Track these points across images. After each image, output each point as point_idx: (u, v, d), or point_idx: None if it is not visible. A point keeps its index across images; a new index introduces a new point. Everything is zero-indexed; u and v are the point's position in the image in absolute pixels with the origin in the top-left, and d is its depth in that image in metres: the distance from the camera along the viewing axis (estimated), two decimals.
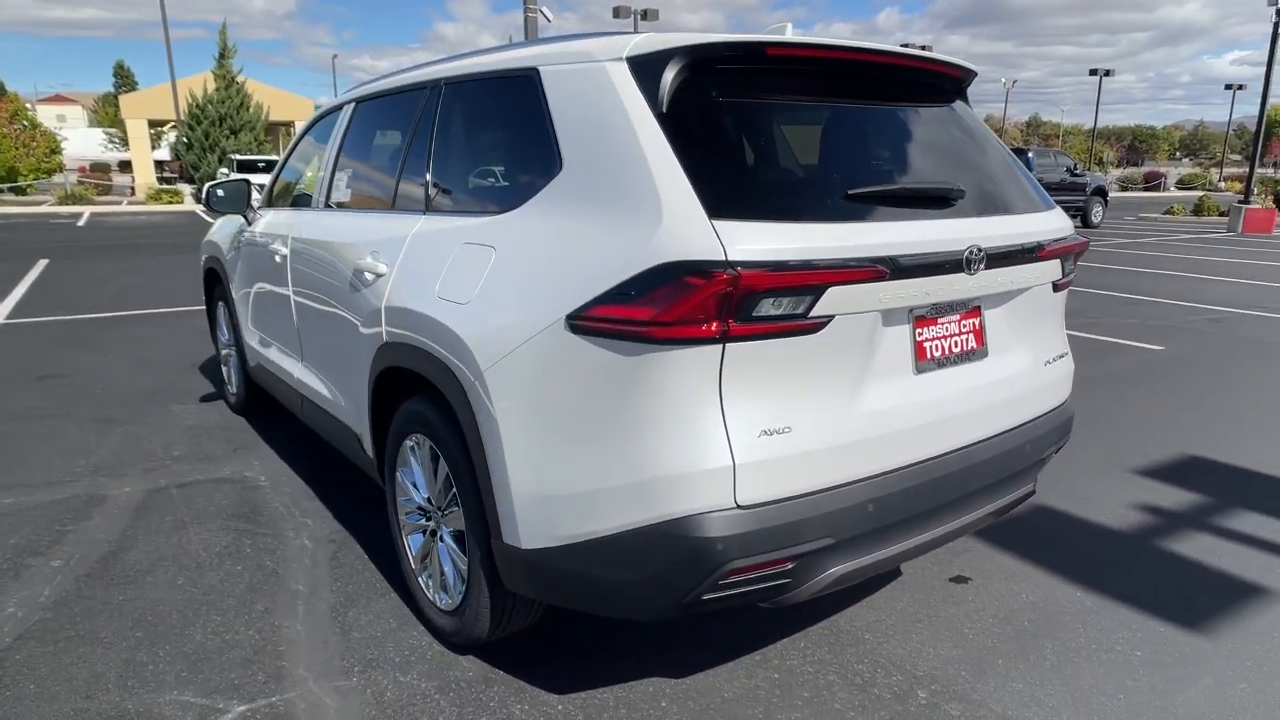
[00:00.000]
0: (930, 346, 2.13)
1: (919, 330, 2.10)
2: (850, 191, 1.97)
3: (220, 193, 4.00)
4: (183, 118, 28.43)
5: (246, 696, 2.35)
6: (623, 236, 1.84)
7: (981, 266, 2.11)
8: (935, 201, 2.10)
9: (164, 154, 43.55)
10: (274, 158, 25.21)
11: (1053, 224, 2.40)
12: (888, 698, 2.37)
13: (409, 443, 2.64)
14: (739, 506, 1.82)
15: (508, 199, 2.27)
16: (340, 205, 3.31)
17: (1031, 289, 2.37)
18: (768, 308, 1.76)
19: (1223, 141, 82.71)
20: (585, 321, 1.85)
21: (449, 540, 2.52)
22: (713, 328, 1.73)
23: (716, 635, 2.66)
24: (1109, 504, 3.70)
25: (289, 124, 39.58)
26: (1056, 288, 2.48)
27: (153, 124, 40.96)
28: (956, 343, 2.19)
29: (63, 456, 4.20)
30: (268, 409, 4.82)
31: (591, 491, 1.91)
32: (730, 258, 1.72)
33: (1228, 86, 44.48)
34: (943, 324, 2.15)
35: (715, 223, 1.75)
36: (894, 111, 2.28)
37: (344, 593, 2.92)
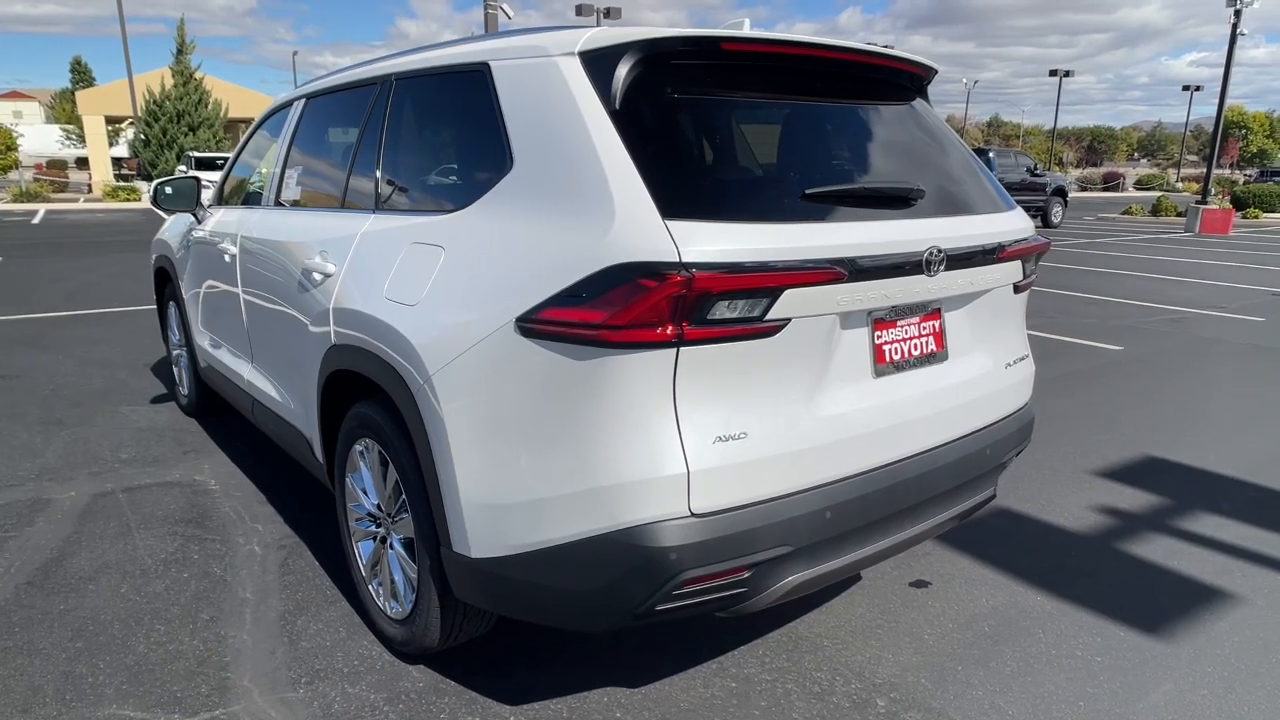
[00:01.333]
0: (889, 350, 2.10)
1: (878, 333, 2.07)
2: (808, 191, 1.93)
3: (169, 190, 3.88)
4: (140, 114, 27.80)
5: (189, 710, 2.27)
6: (574, 237, 1.79)
7: (941, 268, 2.09)
8: (894, 201, 2.08)
9: (122, 151, 42.63)
10: None
11: (1014, 224, 2.39)
12: (846, 706, 2.34)
13: (358, 447, 2.56)
14: (693, 515, 1.78)
15: (458, 197, 2.21)
16: (290, 203, 3.22)
17: (992, 291, 2.36)
18: (723, 310, 1.72)
19: (1179, 142, 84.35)
20: (535, 324, 1.80)
21: (399, 548, 2.45)
22: (667, 331, 1.69)
23: (674, 643, 2.62)
24: (1068, 506, 3.72)
25: (248, 121, 38.97)
26: (1017, 289, 2.47)
27: (110, 120, 40.04)
28: (916, 345, 2.17)
29: (7, 460, 4.06)
30: (218, 411, 4.70)
31: (542, 499, 1.86)
32: (684, 259, 1.68)
33: (1185, 88, 45.44)
34: (902, 326, 2.13)
35: (668, 223, 1.71)
36: (853, 109, 2.25)
37: (293, 600, 2.84)
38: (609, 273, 1.70)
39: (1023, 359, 2.59)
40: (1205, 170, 22.35)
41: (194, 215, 4.01)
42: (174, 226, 4.52)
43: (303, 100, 3.31)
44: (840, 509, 1.98)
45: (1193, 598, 2.95)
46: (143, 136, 27.60)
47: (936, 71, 2.50)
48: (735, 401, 1.82)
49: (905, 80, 2.42)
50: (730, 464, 1.80)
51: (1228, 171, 57.69)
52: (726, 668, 2.51)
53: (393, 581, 2.50)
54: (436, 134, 2.53)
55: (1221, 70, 19.86)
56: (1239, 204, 26.65)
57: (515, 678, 2.43)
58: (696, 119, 1.98)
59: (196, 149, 26.10)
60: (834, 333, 1.95)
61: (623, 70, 1.89)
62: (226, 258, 3.53)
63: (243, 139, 3.98)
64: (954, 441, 2.28)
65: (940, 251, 2.08)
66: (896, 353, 2.12)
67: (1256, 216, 25.48)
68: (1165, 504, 3.78)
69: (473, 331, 1.93)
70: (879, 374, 2.09)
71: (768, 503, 1.86)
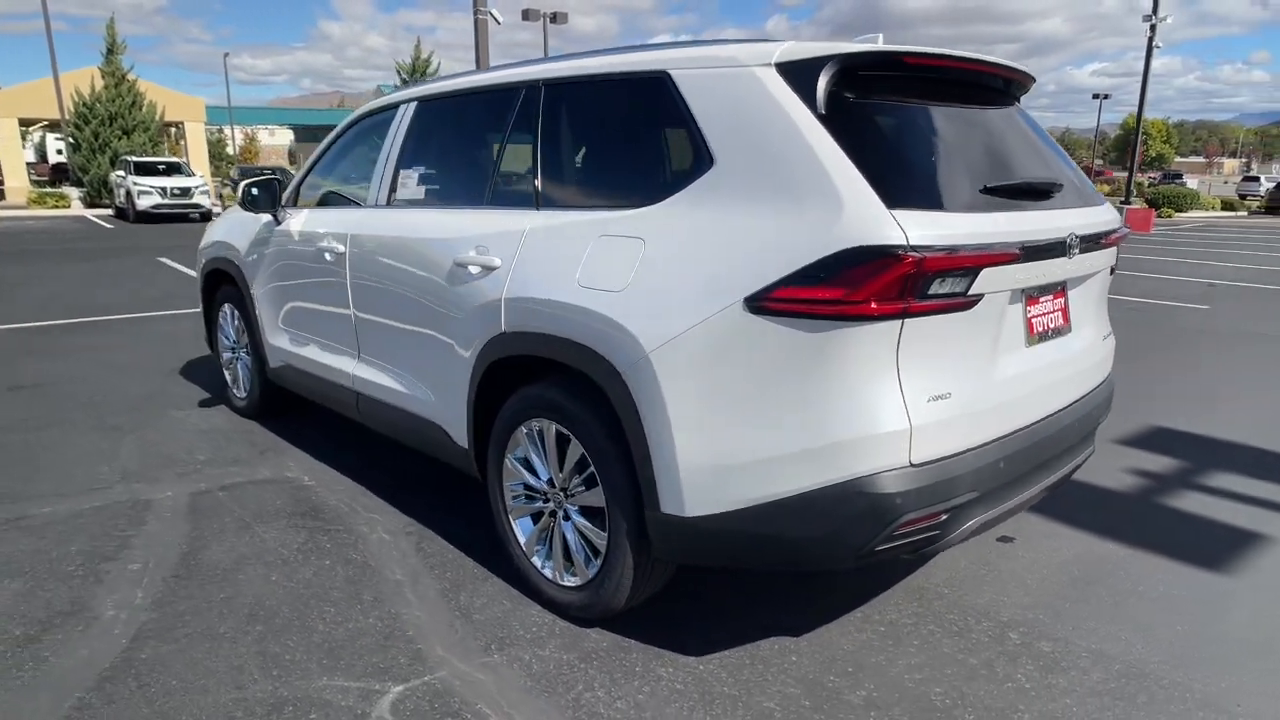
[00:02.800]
0: (1036, 322, 2.41)
1: (1029, 308, 2.38)
2: (987, 185, 2.23)
3: (255, 191, 3.96)
4: (70, 117, 26.60)
5: (398, 677, 2.42)
6: (801, 225, 2.04)
7: (1076, 251, 2.41)
8: (1043, 193, 2.39)
9: (30, 155, 40.56)
10: (175, 159, 23.95)
11: (1111, 215, 2.74)
12: (986, 640, 2.64)
13: (525, 429, 2.74)
14: (912, 465, 2.05)
15: (648, 194, 2.42)
16: (410, 202, 3.35)
17: (1099, 273, 2.70)
18: (938, 286, 2.00)
19: (1085, 147, 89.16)
20: (767, 302, 2.04)
21: (578, 518, 2.64)
22: (896, 305, 1.96)
23: (818, 599, 2.88)
24: (1102, 470, 4.12)
25: (178, 124, 37.61)
26: (1111, 271, 2.82)
27: (25, 123, 38.14)
28: (1052, 319, 2.49)
29: (82, 465, 4.05)
30: (279, 412, 4.75)
31: (771, 458, 2.09)
32: (911, 242, 1.94)
33: (1095, 96, 48.05)
34: (1043, 303, 2.44)
35: (893, 212, 1.97)
36: (991, 114, 2.55)
37: (445, 579, 2.99)
38: (846, 255, 1.95)
39: (1110, 334, 2.94)
40: (1127, 173, 23.81)
41: (274, 216, 4.08)
42: (232, 229, 4.56)
43: (412, 104, 3.44)
44: (1010, 459, 2.28)
45: (1235, 540, 3.36)
46: (72, 140, 26.42)
47: (1035, 80, 2.83)
48: (941, 366, 2.09)
49: (1016, 89, 2.74)
50: (939, 420, 2.08)
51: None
52: (870, 616, 2.78)
53: (567, 551, 2.69)
54: (607, 135, 2.72)
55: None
56: (1152, 204, 28.46)
57: (688, 634, 2.65)
58: (890, 122, 2.25)
59: (133, 153, 25.12)
60: (1005, 307, 2.25)
61: (823, 80, 2.14)
62: (329, 256, 3.63)
63: (325, 143, 4.07)
64: (1074, 404, 2.60)
65: (1077, 237, 2.40)
66: (1040, 325, 2.43)
67: (1170, 215, 27.29)
68: (1178, 465, 4.22)
69: (694, 312, 2.15)
70: (1029, 344, 2.39)
71: (963, 454, 2.15)
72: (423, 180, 3.33)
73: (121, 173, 21.94)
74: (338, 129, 4.01)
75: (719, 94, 2.29)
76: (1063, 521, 3.51)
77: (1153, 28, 19.67)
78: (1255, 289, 11.43)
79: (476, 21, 10.68)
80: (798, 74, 2.17)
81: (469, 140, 3.25)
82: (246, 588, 2.91)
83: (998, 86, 2.61)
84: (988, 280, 2.10)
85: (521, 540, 2.87)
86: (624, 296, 2.31)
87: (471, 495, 3.74)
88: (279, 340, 4.24)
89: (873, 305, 1.95)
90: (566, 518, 2.70)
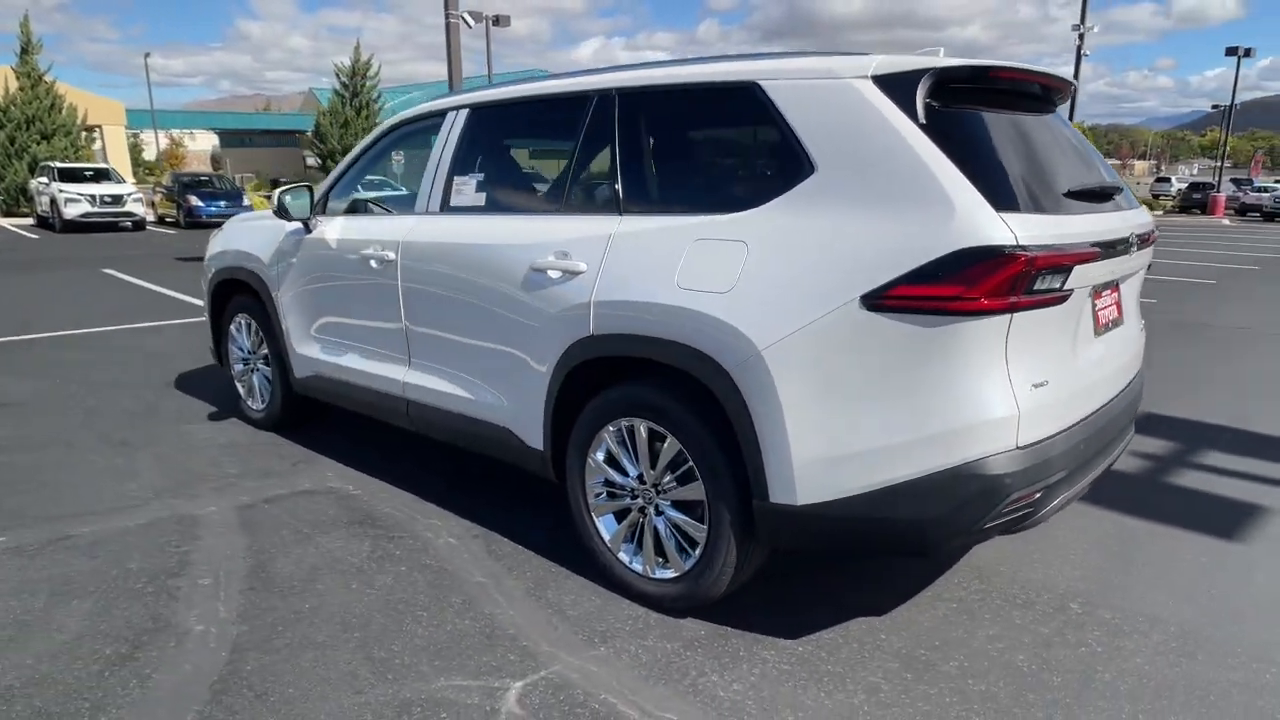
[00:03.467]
0: (1101, 314, 2.62)
1: (1095, 302, 2.58)
2: (1070, 188, 2.42)
3: (289, 198, 3.93)
4: None
5: (514, 674, 2.48)
6: (913, 228, 2.18)
7: (1134, 249, 2.62)
8: (1108, 195, 2.60)
9: None
10: (103, 166, 22.95)
11: (1149, 217, 2.97)
12: (1051, 610, 2.84)
13: (612, 427, 2.83)
14: (1018, 448, 2.22)
15: (742, 199, 2.54)
16: (469, 209, 3.38)
17: (1141, 270, 2.93)
18: (1041, 283, 2.17)
19: None
20: (884, 300, 2.18)
21: (673, 513, 2.74)
22: (1008, 300, 2.12)
23: (885, 580, 3.04)
24: None
25: (97, 128, 35.99)
26: (1149, 269, 3.06)
27: None
28: (1111, 312, 2.70)
29: (106, 482, 3.94)
30: (299, 423, 4.70)
31: (886, 446, 2.24)
32: (1020, 243, 2.11)
33: None
34: (1105, 297, 2.65)
35: (1001, 215, 2.13)
36: (1050, 121, 2.74)
37: (527, 579, 3.04)
38: (961, 255, 2.11)
39: (1144, 327, 3.18)
40: None
41: (305, 225, 4.05)
42: (254, 238, 4.49)
43: (462, 111, 3.47)
44: (1086, 441, 2.47)
45: (1241, 513, 3.66)
46: None
47: (1075, 89, 3.05)
48: (1039, 355, 2.27)
49: (1060, 97, 2.95)
50: (1040, 405, 2.25)
51: None
52: (940, 594, 2.96)
53: (659, 545, 2.79)
54: (694, 143, 2.83)
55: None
56: None
57: (780, 619, 2.77)
58: (978, 131, 2.40)
59: (54, 158, 23.96)
60: (1083, 301, 2.44)
61: (920, 92, 2.30)
62: (374, 264, 3.63)
63: (359, 150, 4.06)
64: (1124, 390, 2.82)
65: (1135, 236, 2.61)
66: (1104, 318, 2.64)
67: None
68: (1171, 446, 4.55)
69: (808, 310, 2.28)
70: (1096, 335, 2.60)
71: (1055, 436, 2.33)
72: (482, 187, 3.37)
73: (44, 179, 20.93)
74: (370, 139, 4.00)
75: (816, 104, 2.42)
76: (1086, 501, 3.76)
77: (1081, 36, 20.76)
78: (1184, 283, 12.19)
79: (448, 25, 10.60)
80: (894, 86, 2.32)
81: (539, 148, 3.31)
82: (329, 597, 2.92)
83: (1048, 96, 2.82)
84: (1077, 276, 2.28)
85: (606, 537, 2.95)
86: (730, 297, 2.42)
87: (528, 495, 3.79)
88: (308, 349, 4.21)
89: (987, 301, 2.11)
90: (659, 513, 2.79)
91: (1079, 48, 21.04)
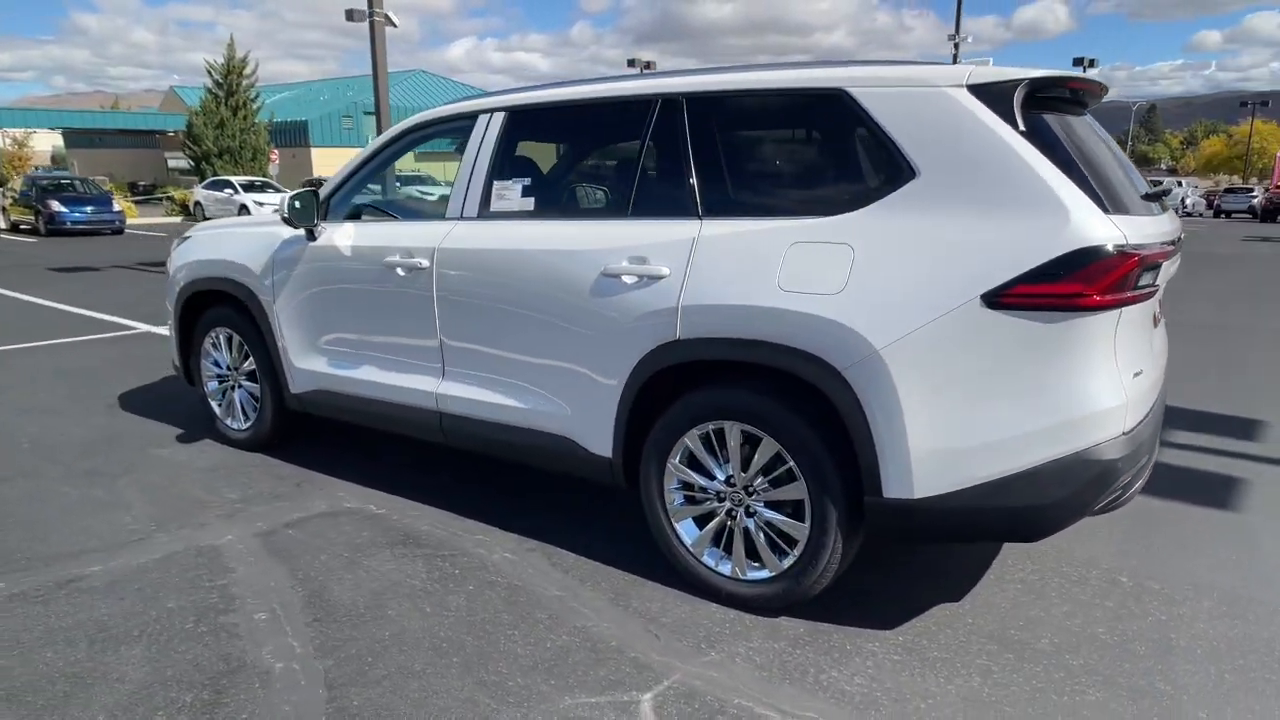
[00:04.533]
0: (1155, 311, 2.82)
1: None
2: (1144, 191, 2.59)
3: (298, 205, 3.70)
4: None
5: (638, 686, 2.44)
6: (1028, 230, 2.29)
7: (1179, 248, 2.84)
8: (1159, 197, 2.81)
9: None
10: None
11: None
12: (1104, 583, 3.04)
13: (697, 431, 2.82)
14: (1124, 434, 2.37)
15: (837, 202, 2.59)
16: (515, 215, 3.27)
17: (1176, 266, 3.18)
18: (1143, 279, 2.33)
19: None
20: (1004, 298, 2.28)
21: (768, 513, 2.75)
22: (1119, 296, 2.26)
23: (946, 566, 3.16)
24: None
25: None
26: None
27: None
28: (1156, 309, 2.91)
29: (93, 517, 3.59)
30: (285, 441, 4.43)
31: (1006, 437, 2.34)
32: (1130, 242, 2.26)
33: None
34: (1153, 295, 2.86)
35: (1110, 217, 2.28)
36: (1092, 123, 2.92)
37: (604, 589, 2.99)
38: (1080, 254, 2.23)
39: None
40: None
41: (309, 232, 3.82)
42: (242, 246, 4.19)
43: (498, 115, 3.36)
44: (1155, 426, 2.67)
45: (1228, 486, 4.02)
46: None
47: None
48: (1135, 346, 2.44)
49: (1098, 103, 3.15)
50: (1137, 393, 2.42)
51: None
52: (1004, 576, 3.11)
53: (750, 546, 2.80)
54: (777, 147, 2.85)
55: None
56: None
57: (868, 612, 2.84)
58: (1062, 137, 2.54)
59: None
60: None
61: (1016, 100, 2.42)
62: (401, 271, 3.47)
63: (364, 157, 3.85)
64: (1164, 379, 3.06)
65: (1181, 237, 2.83)
66: (1156, 313, 2.85)
67: None
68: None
69: (926, 309, 2.35)
70: (1153, 328, 2.80)
71: (1143, 422, 2.50)
72: (529, 191, 3.27)
73: None
74: (381, 142, 3.81)
75: (912, 111, 2.50)
76: None
77: (956, 46, 22.21)
78: None
79: (373, 24, 10.12)
80: (991, 95, 2.43)
81: (592, 152, 3.26)
82: (406, 623, 2.77)
83: (1088, 101, 3.00)
84: (1160, 273, 2.46)
85: (688, 542, 2.93)
86: (841, 299, 2.46)
87: (567, 504, 3.72)
88: (311, 363, 3.97)
89: (1103, 298, 2.24)
90: (749, 514, 2.80)
91: (954, 57, 22.51)
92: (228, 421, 4.54)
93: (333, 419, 4.18)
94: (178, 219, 27.23)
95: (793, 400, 2.63)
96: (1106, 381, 2.33)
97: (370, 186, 3.86)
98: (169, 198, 28.91)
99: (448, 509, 3.70)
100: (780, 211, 2.71)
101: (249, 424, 4.41)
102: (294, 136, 41.56)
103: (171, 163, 46.24)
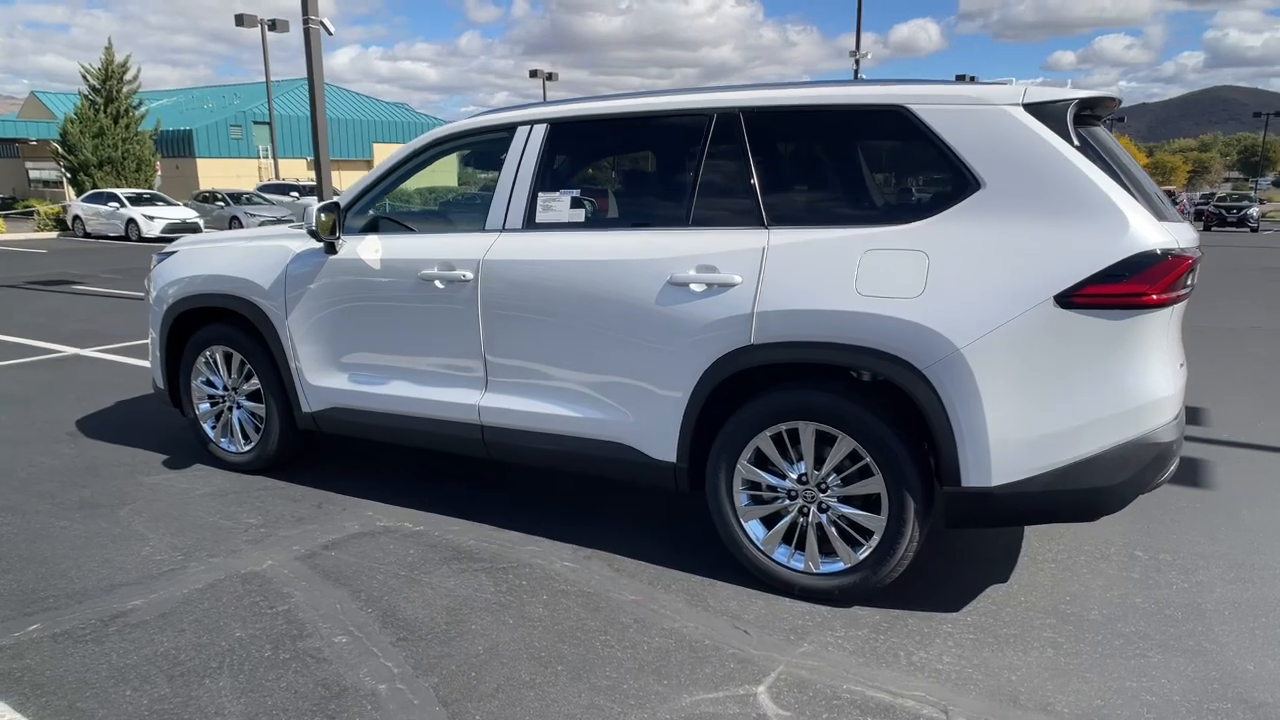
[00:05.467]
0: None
1: None
2: (1162, 201, 2.88)
3: (324, 217, 3.61)
4: None
5: (748, 679, 2.52)
6: (1092, 235, 2.52)
7: None
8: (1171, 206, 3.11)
9: None
10: None
11: None
12: (1125, 559, 3.33)
13: (769, 432, 2.93)
14: (1173, 419, 2.63)
15: (905, 212, 2.77)
16: (566, 226, 3.29)
17: None
18: (1188, 279, 2.60)
19: None
20: (1076, 298, 2.50)
21: (842, 508, 2.89)
22: (1174, 295, 2.52)
23: (971, 553, 3.38)
24: None
25: None
26: None
27: None
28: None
29: (109, 549, 3.39)
30: (289, 462, 4.27)
31: (1077, 426, 2.56)
32: (1181, 247, 2.52)
33: None
34: (1190, 294, 3.14)
35: (1162, 224, 2.53)
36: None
37: (678, 591, 3.06)
38: (1142, 258, 2.47)
39: None
40: None
41: (329, 245, 3.73)
42: (241, 260, 4.03)
43: (539, 126, 3.39)
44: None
45: (1192, 468, 4.44)
46: None
47: None
48: (1176, 341, 2.70)
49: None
50: (1180, 383, 2.69)
51: None
52: (1036, 556, 3.35)
53: (824, 541, 2.93)
54: (840, 159, 2.98)
55: None
56: None
57: (927, 593, 3.01)
58: (1104, 147, 2.79)
59: None
60: None
61: (1069, 117, 2.66)
62: (440, 284, 3.44)
63: (387, 168, 3.78)
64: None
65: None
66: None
67: None
68: None
69: (1003, 310, 2.55)
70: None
71: (1181, 409, 2.77)
72: (579, 203, 3.31)
73: None
74: (406, 154, 3.75)
75: (973, 126, 2.70)
76: None
77: (857, 62, 23.31)
78: None
79: (307, 31, 9.69)
80: (1045, 113, 2.66)
81: (642, 164, 3.32)
82: (496, 635, 2.76)
83: (1105, 116, 3.28)
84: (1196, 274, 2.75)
85: (759, 541, 3.04)
86: (922, 302, 2.63)
87: (613, 510, 3.76)
88: (329, 380, 3.86)
89: (1161, 296, 2.49)
90: (823, 510, 2.93)
91: (855, 72, 23.67)
92: (222, 444, 4.34)
93: (348, 437, 4.08)
94: (53, 234, 25.32)
95: (866, 398, 2.78)
96: (1161, 372, 2.59)
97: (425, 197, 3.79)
98: (34, 211, 26.78)
99: (485, 522, 3.67)
100: (847, 220, 2.86)
101: (251, 446, 4.24)
102: (177, 146, 39.34)
103: (34, 173, 42.95)
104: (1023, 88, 2.71)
